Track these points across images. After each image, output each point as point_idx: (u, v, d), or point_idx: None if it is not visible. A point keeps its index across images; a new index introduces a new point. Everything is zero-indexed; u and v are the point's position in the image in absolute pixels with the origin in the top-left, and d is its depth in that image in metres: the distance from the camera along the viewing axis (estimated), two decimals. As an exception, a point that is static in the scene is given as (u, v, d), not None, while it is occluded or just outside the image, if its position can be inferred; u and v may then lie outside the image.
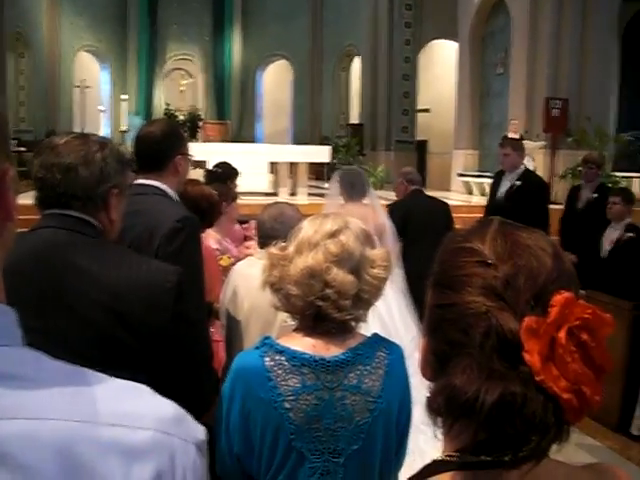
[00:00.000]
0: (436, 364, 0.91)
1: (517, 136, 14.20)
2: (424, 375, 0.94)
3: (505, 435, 0.85)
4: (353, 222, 1.90)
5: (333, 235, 1.83)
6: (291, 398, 1.75)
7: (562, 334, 0.82)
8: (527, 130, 14.97)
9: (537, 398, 0.83)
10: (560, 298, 0.84)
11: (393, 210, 5.94)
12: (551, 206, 6.92)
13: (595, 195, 6.97)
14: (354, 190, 5.00)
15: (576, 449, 5.22)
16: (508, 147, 6.58)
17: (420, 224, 5.78)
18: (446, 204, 6.30)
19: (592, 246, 6.39)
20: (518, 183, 6.44)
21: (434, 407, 0.89)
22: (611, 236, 6.26)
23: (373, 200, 5.19)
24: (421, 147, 21.73)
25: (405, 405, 1.88)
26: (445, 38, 20.74)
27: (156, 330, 1.71)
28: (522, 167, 6.64)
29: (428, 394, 0.90)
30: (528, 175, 6.65)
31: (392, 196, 7.08)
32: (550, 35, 15.21)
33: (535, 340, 0.82)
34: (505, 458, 0.87)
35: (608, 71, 15.90)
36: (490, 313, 0.86)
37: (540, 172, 14.49)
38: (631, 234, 6.10)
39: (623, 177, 14.08)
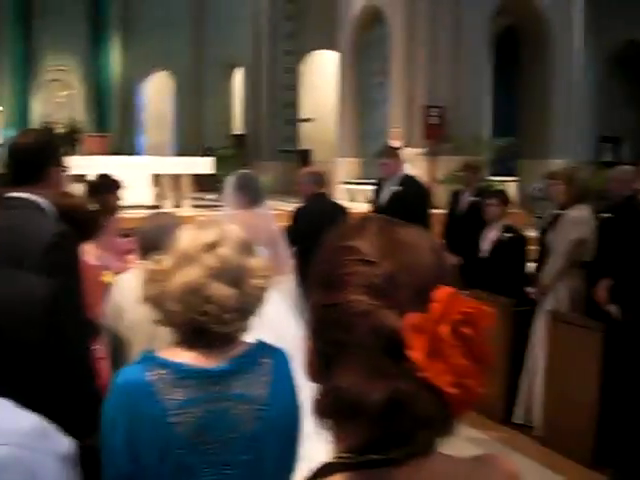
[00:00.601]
0: (321, 366, 0.90)
1: (398, 144, 14.57)
2: (309, 377, 0.92)
3: (393, 433, 0.84)
4: (231, 231, 1.86)
5: (211, 247, 1.78)
6: (177, 412, 1.71)
7: (445, 329, 0.82)
8: (407, 138, 15.36)
9: (423, 394, 0.82)
10: (442, 293, 0.84)
11: (299, 215, 5.91)
12: (432, 211, 7.11)
13: (475, 198, 7.21)
14: (248, 195, 4.88)
15: (464, 442, 5.33)
16: (384, 156, 6.79)
17: (326, 228, 5.77)
18: (344, 208, 6.33)
19: (473, 247, 6.59)
20: (399, 189, 6.62)
21: (321, 410, 0.87)
22: (489, 237, 6.49)
23: (264, 207, 5.14)
24: (305, 156, 21.91)
25: (294, 411, 1.86)
26: (326, 48, 21.02)
27: (31, 346, 1.64)
28: (402, 173, 6.81)
29: (314, 397, 0.88)
30: (408, 181, 6.83)
31: (279, 205, 7.08)
32: (426, 46, 15.70)
33: (418, 336, 0.81)
34: (394, 455, 0.86)
35: (482, 81, 16.58)
36: (373, 311, 0.85)
37: (424, 177, 14.93)
38: (510, 234, 6.36)
39: (499, 181, 14.65)
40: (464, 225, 7.17)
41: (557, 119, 17.64)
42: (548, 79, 17.62)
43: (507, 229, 6.42)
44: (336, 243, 0.92)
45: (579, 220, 5.58)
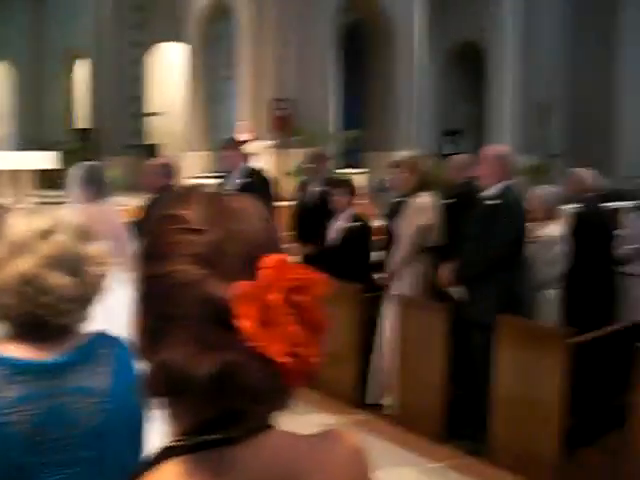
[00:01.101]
0: (150, 342, 0.86)
1: (246, 136, 14.54)
2: (141, 356, 0.88)
3: (227, 409, 0.82)
4: (67, 216, 1.75)
5: (46, 234, 1.66)
6: (11, 410, 1.58)
7: (274, 296, 0.80)
8: (255, 130, 15.36)
9: (255, 365, 0.80)
10: (270, 260, 0.83)
11: (150, 208, 5.75)
12: (282, 202, 7.14)
13: (322, 188, 7.32)
14: (93, 188, 4.70)
15: (319, 428, 5.40)
16: (223, 149, 6.80)
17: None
18: None
19: (322, 237, 6.71)
20: (243, 181, 6.65)
21: (151, 388, 0.83)
22: (336, 226, 6.63)
23: (109, 201, 4.98)
24: (153, 151, 21.42)
25: (136, 402, 1.78)
26: (173, 40, 20.62)
27: None
28: (245, 165, 6.84)
29: (144, 375, 0.85)
30: (252, 173, 6.86)
31: (126, 201, 6.87)
32: (273, 39, 15.73)
33: (247, 305, 0.79)
34: (230, 434, 0.84)
35: (328, 75, 16.83)
36: (200, 281, 0.82)
37: (272, 169, 14.99)
38: (354, 223, 6.52)
39: (347, 173, 14.94)
40: (313, 215, 7.27)
41: (401, 113, 18.25)
42: (391, 75, 18.17)
43: (353, 218, 6.58)
44: (161, 213, 0.89)
45: (422, 207, 5.78)
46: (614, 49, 21.52)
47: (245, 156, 7.28)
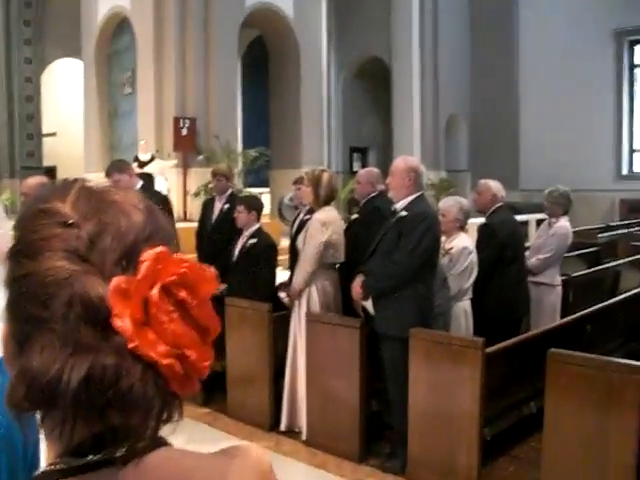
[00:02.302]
0: (16, 349, 0.77)
1: (148, 156, 14.34)
2: (8, 367, 0.79)
3: (107, 423, 0.73)
4: None
5: None
6: None
7: (155, 292, 0.73)
8: (158, 150, 15.15)
9: (134, 368, 0.72)
10: (151, 253, 0.75)
11: None
12: (186, 224, 7.04)
13: (227, 205, 7.26)
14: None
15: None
16: (112, 172, 6.58)
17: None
18: None
19: (227, 255, 6.67)
20: None
21: (14, 402, 0.74)
22: (239, 243, 6.63)
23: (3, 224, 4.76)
24: (50, 173, 20.85)
25: (32, 427, 1.64)
26: (70, 56, 20.17)
27: None
28: (138, 186, 6.71)
29: (6, 386, 0.75)
30: (145, 193, 6.74)
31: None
32: (175, 55, 15.59)
33: (125, 302, 0.72)
34: (114, 454, 0.76)
35: (232, 92, 16.81)
36: (73, 278, 0.73)
37: (174, 191, 14.82)
38: (254, 240, 6.51)
39: (251, 192, 14.94)
40: (217, 234, 7.29)
41: (307, 130, 18.38)
42: (297, 91, 18.30)
43: (256, 235, 6.56)
44: (33, 207, 0.81)
45: (326, 221, 5.77)
46: (514, 60, 22.35)
47: (140, 177, 7.20)
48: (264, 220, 7.14)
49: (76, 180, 0.85)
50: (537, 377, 4.70)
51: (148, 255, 0.75)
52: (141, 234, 0.79)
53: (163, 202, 6.84)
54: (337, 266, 6.03)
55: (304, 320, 5.77)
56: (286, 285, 6.16)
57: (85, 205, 0.79)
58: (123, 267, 0.75)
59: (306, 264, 5.77)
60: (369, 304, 5.30)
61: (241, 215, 6.62)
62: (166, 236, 0.83)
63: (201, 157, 15.34)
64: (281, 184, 16.66)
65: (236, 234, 6.76)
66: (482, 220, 6.70)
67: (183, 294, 0.75)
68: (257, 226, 6.67)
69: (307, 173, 6.11)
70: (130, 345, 0.71)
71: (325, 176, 5.88)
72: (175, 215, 7.44)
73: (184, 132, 15.31)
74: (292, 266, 6.24)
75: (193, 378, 0.77)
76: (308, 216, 6.21)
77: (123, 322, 0.71)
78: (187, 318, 0.75)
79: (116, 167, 6.69)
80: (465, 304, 5.75)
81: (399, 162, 5.37)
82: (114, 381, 0.71)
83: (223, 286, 6.74)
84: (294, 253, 6.25)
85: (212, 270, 0.79)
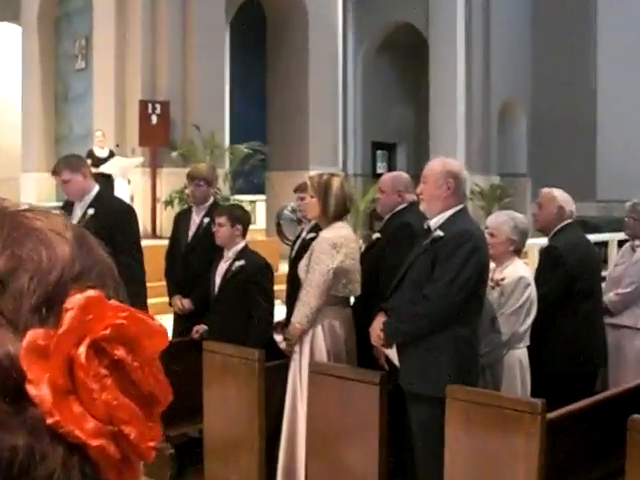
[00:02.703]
0: None
1: (105, 152, 14.39)
2: None
3: None
4: None
5: None
6: None
7: (83, 350, 0.72)
8: (119, 143, 15.21)
9: (54, 452, 0.71)
10: (79, 298, 0.74)
11: None
12: (155, 242, 7.07)
13: (207, 219, 7.28)
14: None
15: None
16: (59, 173, 6.62)
17: None
18: None
19: (206, 286, 6.76)
20: (89, 212, 6.58)
21: None
22: (221, 268, 6.67)
23: None
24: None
25: None
26: (5, 21, 20.34)
27: None
28: (92, 192, 6.74)
29: None
30: (101, 202, 6.77)
31: None
32: (143, 22, 15.62)
33: (43, 364, 0.71)
34: None
35: (217, 68, 16.74)
36: None
37: (139, 198, 14.85)
38: (241, 262, 6.52)
39: (241, 200, 14.97)
40: (194, 255, 7.35)
41: (317, 123, 18.37)
42: (303, 69, 18.32)
43: (241, 256, 6.58)
44: None
45: (336, 242, 5.77)
46: (590, 35, 22.33)
47: (96, 179, 7.23)
48: (257, 237, 7.20)
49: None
50: (615, 452, 4.67)
51: (75, 301, 0.74)
52: (68, 272, 0.78)
53: (125, 213, 6.86)
54: (351, 301, 6.00)
55: (306, 372, 5.77)
56: (283, 325, 6.15)
57: None
58: (42, 317, 0.74)
59: (310, 298, 5.76)
60: (393, 352, 5.29)
61: (222, 230, 6.63)
62: (102, 275, 0.82)
63: (175, 154, 15.37)
64: (281, 191, 16.68)
65: (218, 256, 6.78)
66: (544, 242, 6.69)
67: (120, 353, 0.74)
68: (243, 244, 6.70)
69: (312, 178, 6.12)
70: (49, 421, 0.70)
71: (335, 182, 5.89)
72: (141, 230, 7.46)
73: (153, 120, 15.36)
74: (291, 300, 6.23)
75: (134, 463, 0.76)
76: (313, 234, 6.19)
77: (40, 390, 0.70)
78: (126, 384, 0.74)
79: (68, 164, 6.71)
80: (520, 353, 5.73)
81: (435, 164, 5.38)
82: (26, 468, 0.70)
83: (202, 327, 6.74)
84: (294, 283, 6.24)
85: (160, 323, 0.79)
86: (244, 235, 6.76)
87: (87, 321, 0.73)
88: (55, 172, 6.67)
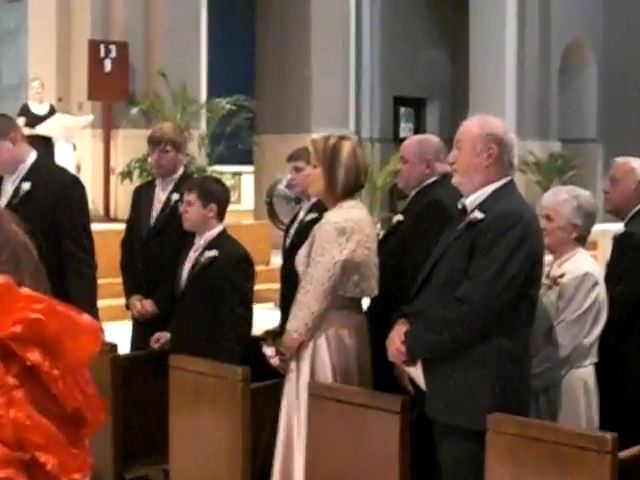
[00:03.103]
0: None
1: (44, 108, 14.37)
2: None
3: None
4: None
5: None
6: None
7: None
8: (61, 97, 15.21)
9: None
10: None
11: None
12: (108, 226, 7.07)
13: (175, 195, 7.28)
14: None
15: None
16: None
17: None
18: None
19: (173, 280, 6.84)
20: (23, 187, 6.57)
21: None
22: (190, 259, 6.75)
23: None
24: None
25: None
26: None
27: None
28: (27, 160, 6.73)
29: None
30: (37, 172, 6.76)
31: None
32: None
33: None
34: None
35: (192, 2, 16.78)
36: None
37: (87, 168, 14.86)
38: (213, 253, 6.52)
39: (220, 172, 14.95)
40: (158, 242, 7.40)
41: (320, 68, 18.37)
42: (304, 12, 18.30)
43: (215, 244, 6.62)
44: None
45: (345, 227, 5.76)
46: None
47: (32, 144, 7.20)
48: (243, 220, 7.20)
49: None
50: None
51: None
52: None
53: (69, 188, 6.84)
54: (366, 304, 6.00)
55: (305, 395, 5.77)
56: (276, 335, 6.16)
57: None
58: None
59: (310, 299, 5.77)
60: (417, 371, 5.29)
61: (191, 210, 6.65)
62: (14, 257, 0.82)
63: (135, 111, 15.37)
64: (274, 160, 16.63)
65: (187, 243, 6.83)
66: (619, 227, 6.67)
67: (35, 357, 0.74)
68: (219, 229, 6.70)
69: (315, 142, 6.12)
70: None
71: (345, 148, 5.88)
72: (90, 209, 7.43)
73: (107, 67, 15.35)
74: (286, 302, 6.24)
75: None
76: (313, 215, 6.18)
77: None
78: (42, 398, 0.74)
79: None
80: (585, 373, 5.72)
81: (471, 125, 5.34)
82: None
83: (164, 335, 6.74)
84: (290, 279, 6.25)
85: (87, 317, 0.78)
86: (221, 217, 6.76)
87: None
88: None
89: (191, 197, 6.66)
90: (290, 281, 6.29)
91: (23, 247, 0.86)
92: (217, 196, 6.76)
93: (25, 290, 0.78)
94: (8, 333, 0.73)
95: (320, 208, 6.10)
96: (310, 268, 5.80)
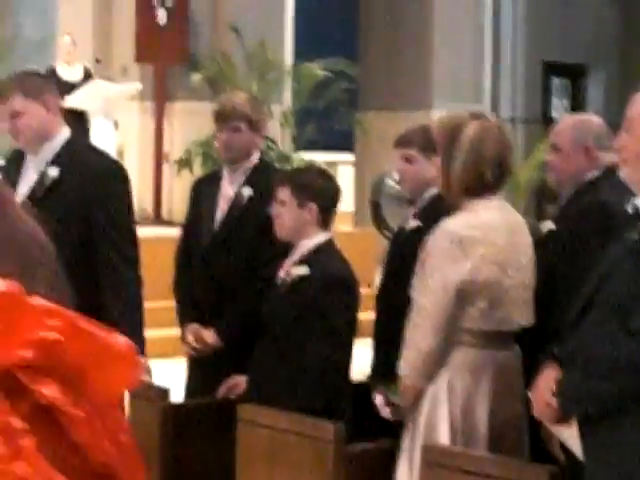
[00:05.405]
0: None
1: (78, 71, 14.57)
2: None
3: None
4: None
5: None
6: None
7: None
8: (99, 58, 15.39)
9: None
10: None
11: None
12: (161, 230, 7.03)
13: (248, 190, 7.31)
14: None
15: None
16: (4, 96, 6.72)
17: None
18: None
19: (244, 304, 7.01)
20: (54, 173, 6.62)
21: None
22: (280, 278, 6.72)
23: None
24: None
25: None
26: None
27: None
28: (58, 138, 6.81)
29: None
30: (72, 154, 6.83)
31: None
32: None
33: None
34: None
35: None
36: None
37: (133, 151, 15.00)
38: (303, 271, 6.55)
39: (315, 162, 14.99)
40: (223, 252, 7.43)
41: (444, 27, 18.45)
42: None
43: (311, 259, 6.60)
44: None
45: (464, 236, 5.75)
46: None
47: (67, 117, 7.27)
48: (341, 227, 7.17)
49: None
50: None
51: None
52: None
53: (110, 177, 6.90)
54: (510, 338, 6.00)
55: (419, 460, 5.76)
56: (387, 379, 6.19)
57: None
58: None
59: (418, 334, 5.79)
60: (572, 433, 5.25)
61: (284, 211, 6.65)
62: (23, 256, 0.83)
63: (198, 77, 15.49)
64: (382, 146, 16.64)
65: (275, 256, 6.86)
66: None
67: (50, 392, 0.73)
68: (320, 238, 6.70)
69: (439, 122, 6.13)
70: None
71: (470, 129, 5.86)
72: (135, 208, 7.47)
73: (161, 19, 15.50)
74: (382, 335, 6.32)
75: None
76: (416, 224, 6.21)
77: None
78: (60, 448, 0.73)
79: (22, 83, 6.81)
80: None
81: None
82: None
83: (240, 381, 6.76)
84: (388, 305, 6.26)
85: (122, 338, 0.77)
86: (325, 222, 6.73)
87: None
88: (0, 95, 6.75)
89: (284, 194, 6.60)
90: (391, 308, 6.28)
91: (37, 245, 0.86)
92: (319, 192, 6.66)
93: (37, 300, 0.77)
94: (15, 359, 0.72)
95: (430, 213, 6.08)
96: (417, 293, 5.80)
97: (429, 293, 5.70)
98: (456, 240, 5.71)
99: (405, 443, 5.92)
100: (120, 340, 0.70)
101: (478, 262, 5.73)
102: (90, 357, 0.68)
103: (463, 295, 5.72)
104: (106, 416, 0.68)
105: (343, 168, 19.10)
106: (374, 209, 15.86)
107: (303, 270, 6.53)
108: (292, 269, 6.57)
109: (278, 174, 7.16)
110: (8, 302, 0.66)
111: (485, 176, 5.88)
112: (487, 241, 5.80)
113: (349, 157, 18.82)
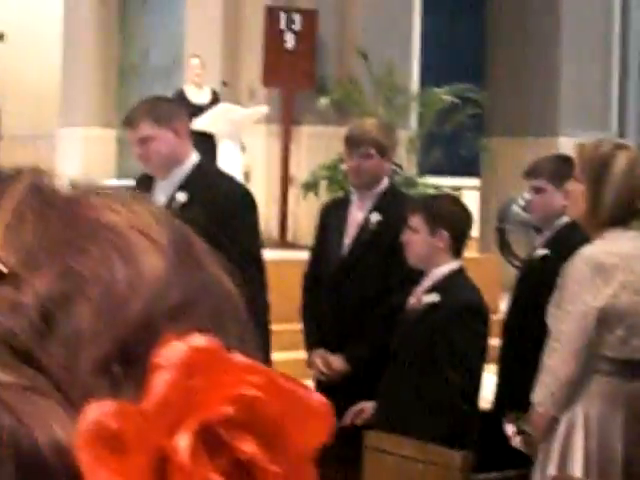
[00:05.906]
0: None
1: (205, 95, 14.67)
2: None
3: None
4: None
5: None
6: None
7: (185, 443, 0.73)
8: (227, 81, 15.49)
9: None
10: (179, 350, 0.75)
11: None
12: (287, 254, 7.07)
13: (377, 216, 7.30)
14: None
15: None
16: (133, 127, 6.78)
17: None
18: None
19: (373, 330, 7.01)
20: (182, 198, 6.68)
21: None
22: (411, 305, 6.72)
23: None
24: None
25: None
26: None
27: None
28: (188, 162, 6.86)
29: None
30: (200, 179, 6.89)
31: None
32: None
33: (115, 462, 0.72)
34: None
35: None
36: (6, 406, 0.75)
37: (260, 175, 15.09)
38: (433, 298, 6.58)
39: (440, 186, 14.98)
40: (352, 278, 7.43)
41: (573, 57, 18.35)
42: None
43: (442, 287, 6.61)
44: None
45: (603, 263, 5.74)
46: None
47: (195, 141, 7.33)
48: (466, 253, 7.15)
49: (20, 172, 0.86)
50: None
51: (171, 354, 0.75)
52: (160, 303, 0.79)
53: (239, 204, 6.94)
54: None
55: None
56: (519, 409, 6.18)
57: (35, 233, 0.80)
58: (113, 380, 0.75)
59: (557, 361, 5.77)
60: None
61: (416, 238, 6.68)
62: (218, 311, 0.84)
63: (326, 101, 15.55)
64: (508, 171, 16.64)
65: (404, 282, 6.86)
66: None
67: (250, 448, 0.74)
68: (451, 266, 6.73)
69: (582, 149, 6.12)
70: None
71: (620, 159, 5.86)
72: (262, 231, 7.51)
73: (289, 43, 15.59)
74: (508, 364, 6.24)
75: None
76: (544, 252, 6.18)
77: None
78: None
79: (152, 110, 6.88)
80: None
81: None
82: None
83: (367, 407, 6.77)
84: (514, 333, 6.26)
85: (317, 395, 0.79)
86: (456, 250, 6.78)
87: (193, 390, 0.74)
88: (129, 122, 6.83)
89: (416, 221, 6.67)
90: (518, 336, 6.27)
91: (228, 295, 0.87)
92: (451, 220, 6.73)
93: (238, 357, 0.78)
94: (217, 415, 0.74)
95: (559, 241, 6.07)
96: (554, 321, 5.78)
97: (569, 319, 5.69)
98: (596, 266, 5.71)
99: (536, 474, 5.91)
100: (316, 397, 0.71)
101: (618, 289, 5.72)
102: (289, 415, 0.69)
103: (603, 322, 5.71)
104: (301, 472, 0.69)
105: (469, 193, 19.10)
106: (500, 235, 15.84)
107: (434, 297, 6.55)
108: (423, 296, 6.60)
109: (410, 201, 7.17)
110: (209, 358, 0.68)
111: (635, 206, 5.88)
112: (626, 268, 5.79)
113: (475, 182, 18.81)
